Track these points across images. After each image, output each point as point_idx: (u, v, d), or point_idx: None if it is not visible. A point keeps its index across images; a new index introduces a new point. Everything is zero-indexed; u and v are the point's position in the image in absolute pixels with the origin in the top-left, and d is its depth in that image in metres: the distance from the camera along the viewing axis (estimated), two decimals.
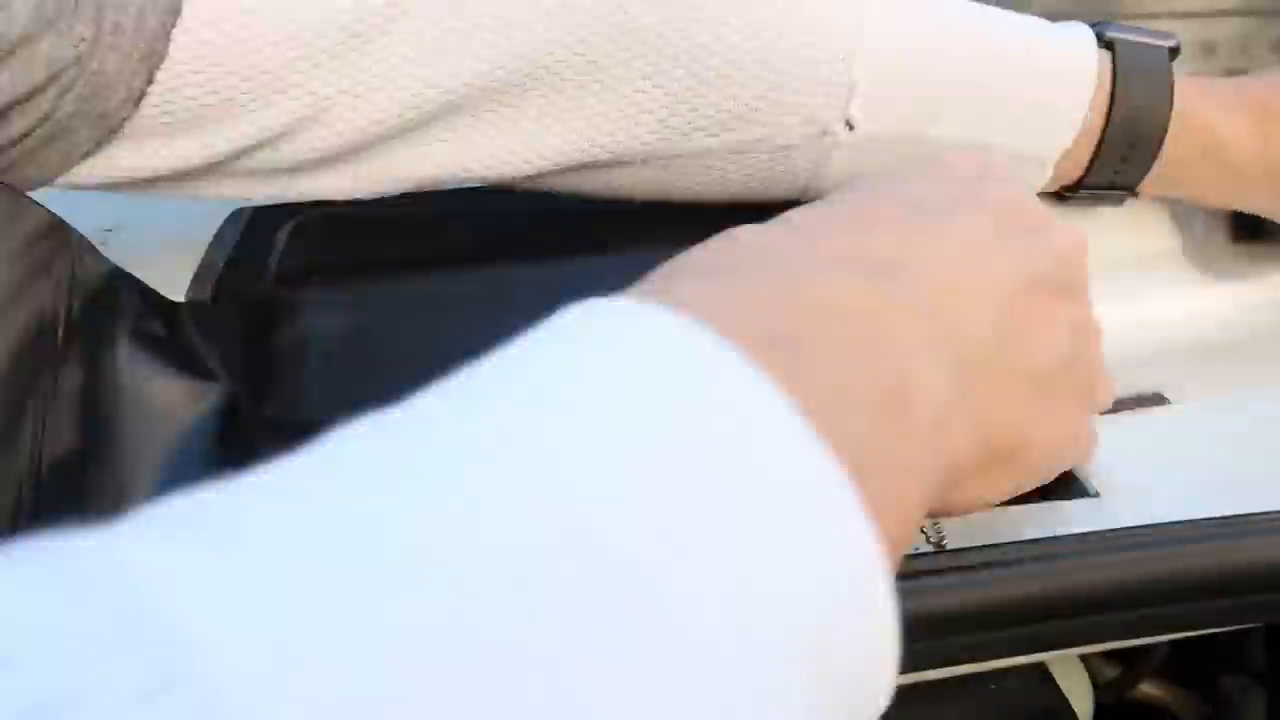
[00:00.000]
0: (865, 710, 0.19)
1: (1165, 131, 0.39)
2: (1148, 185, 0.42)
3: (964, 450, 0.23)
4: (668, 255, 0.41)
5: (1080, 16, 0.55)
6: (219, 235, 0.41)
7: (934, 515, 0.31)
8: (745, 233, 0.24)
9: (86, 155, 0.33)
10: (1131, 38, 0.40)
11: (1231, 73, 0.57)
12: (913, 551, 0.32)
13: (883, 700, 0.20)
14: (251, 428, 0.34)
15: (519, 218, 0.42)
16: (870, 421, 0.20)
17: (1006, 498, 0.28)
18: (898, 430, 0.21)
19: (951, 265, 0.24)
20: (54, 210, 0.40)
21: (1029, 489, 0.29)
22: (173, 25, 0.31)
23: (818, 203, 0.26)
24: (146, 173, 0.34)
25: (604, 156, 0.37)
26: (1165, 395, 0.40)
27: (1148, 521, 0.33)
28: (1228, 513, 0.33)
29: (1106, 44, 0.40)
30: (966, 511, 0.27)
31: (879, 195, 0.27)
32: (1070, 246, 0.28)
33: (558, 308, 0.36)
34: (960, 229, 0.25)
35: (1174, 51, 0.41)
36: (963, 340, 0.23)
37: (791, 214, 0.25)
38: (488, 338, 0.37)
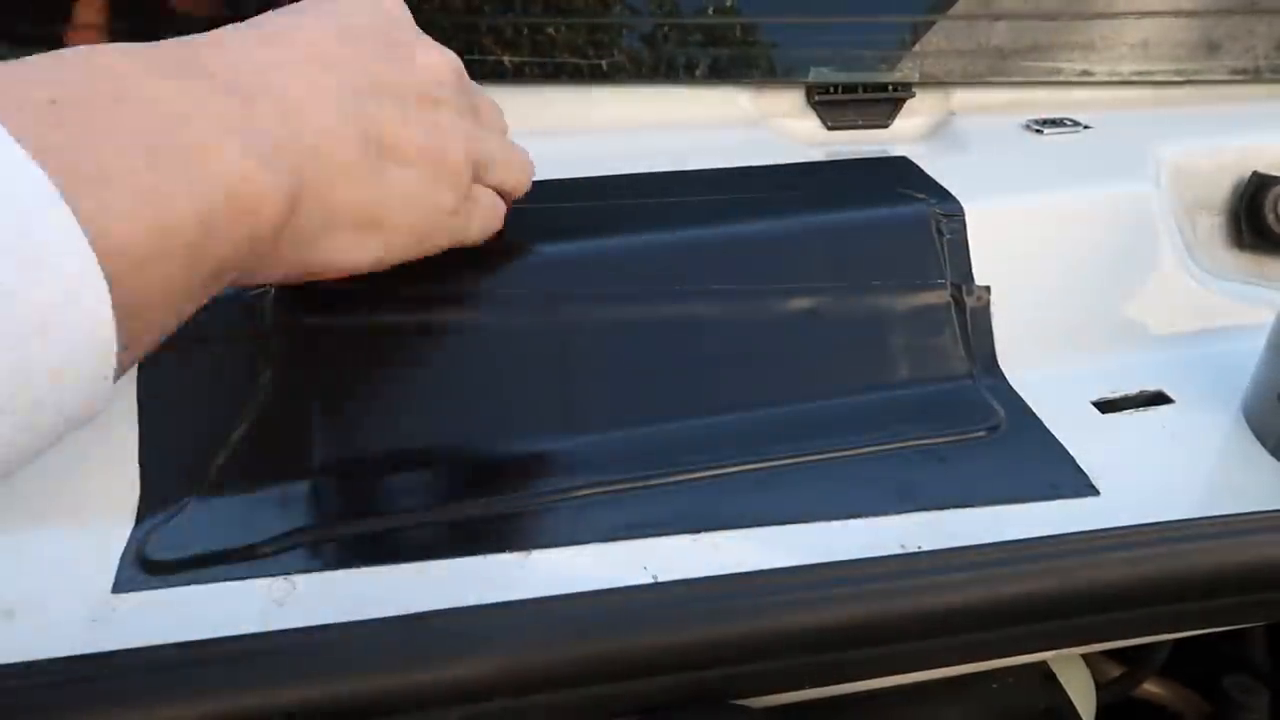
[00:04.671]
0: (70, 403, 0.22)
1: None
2: None
3: (271, 200, 0.26)
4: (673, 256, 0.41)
5: (1080, 16, 0.55)
6: None
7: (306, 274, 0.32)
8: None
9: None
10: None
11: (1236, 72, 0.57)
12: (908, 552, 0.32)
13: (99, 395, 0.22)
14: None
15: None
16: (88, 129, 0.23)
17: (379, 262, 0.32)
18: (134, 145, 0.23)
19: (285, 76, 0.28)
20: None
21: (410, 255, 0.33)
22: None
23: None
24: None
25: None
26: (1165, 395, 0.41)
27: (1148, 521, 0.33)
28: (1228, 512, 0.33)
29: None
30: (335, 272, 0.31)
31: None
32: (435, 65, 0.33)
33: (552, 320, 0.36)
34: (304, 40, 0.30)
35: None
36: (301, 133, 0.28)
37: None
38: (488, 354, 0.36)
